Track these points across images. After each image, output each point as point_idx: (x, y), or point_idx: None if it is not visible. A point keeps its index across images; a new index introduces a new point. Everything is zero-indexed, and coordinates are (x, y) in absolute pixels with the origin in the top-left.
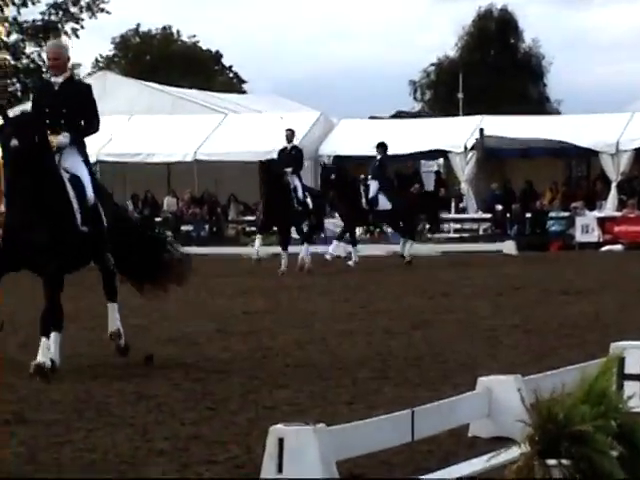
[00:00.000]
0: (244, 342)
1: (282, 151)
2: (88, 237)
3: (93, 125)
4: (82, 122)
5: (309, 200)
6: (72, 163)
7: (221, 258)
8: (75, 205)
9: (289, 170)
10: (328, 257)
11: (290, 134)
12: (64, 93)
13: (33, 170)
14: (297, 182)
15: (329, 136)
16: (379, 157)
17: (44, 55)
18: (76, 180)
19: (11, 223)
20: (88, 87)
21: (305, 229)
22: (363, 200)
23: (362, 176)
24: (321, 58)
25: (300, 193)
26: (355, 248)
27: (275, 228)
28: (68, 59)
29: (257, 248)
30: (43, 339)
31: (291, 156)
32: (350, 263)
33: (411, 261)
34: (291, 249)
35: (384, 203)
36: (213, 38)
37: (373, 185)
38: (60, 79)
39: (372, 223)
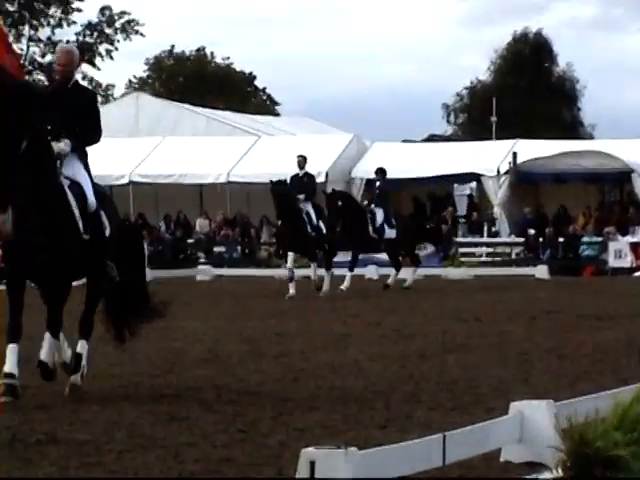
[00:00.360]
0: (276, 364)
1: (294, 177)
2: (89, 245)
3: (95, 134)
4: (84, 130)
5: (322, 225)
6: (73, 170)
7: (253, 280)
8: (76, 213)
9: (302, 197)
10: (343, 288)
11: (302, 160)
12: (70, 100)
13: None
14: (310, 208)
15: (362, 159)
16: (378, 184)
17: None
18: (77, 187)
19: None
20: (93, 95)
21: (320, 255)
22: (370, 228)
23: (365, 202)
24: (354, 80)
25: (314, 219)
26: (351, 274)
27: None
28: (77, 66)
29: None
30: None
31: (303, 182)
32: (342, 288)
33: (408, 286)
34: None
35: (389, 232)
36: (247, 60)
37: (379, 213)
38: (67, 86)
39: (382, 251)
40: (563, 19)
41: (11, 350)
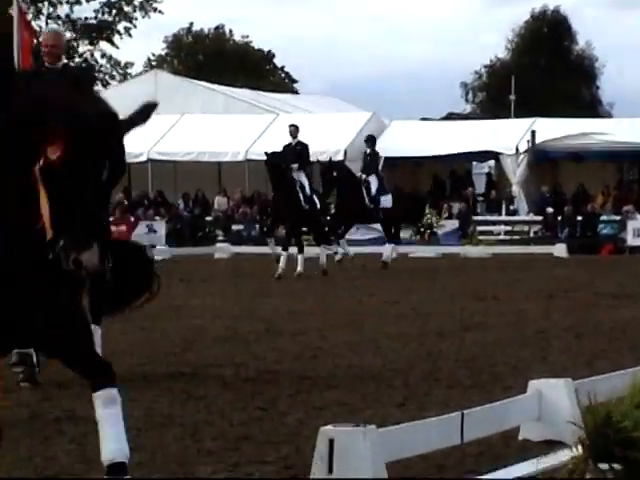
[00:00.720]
0: (294, 342)
1: (287, 147)
2: None
3: None
4: None
5: (316, 198)
6: None
7: (271, 258)
8: None
9: (295, 166)
10: (339, 257)
11: (294, 129)
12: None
13: None
14: (304, 179)
15: (381, 137)
16: (369, 151)
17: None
18: None
19: None
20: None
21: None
22: (366, 198)
23: (359, 174)
24: (372, 59)
25: (308, 190)
26: (343, 241)
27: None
28: (64, 48)
29: (272, 250)
30: None
31: (296, 151)
32: (338, 257)
33: (387, 264)
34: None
35: (384, 200)
36: (265, 38)
37: (373, 182)
38: (58, 67)
39: (379, 220)
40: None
41: None
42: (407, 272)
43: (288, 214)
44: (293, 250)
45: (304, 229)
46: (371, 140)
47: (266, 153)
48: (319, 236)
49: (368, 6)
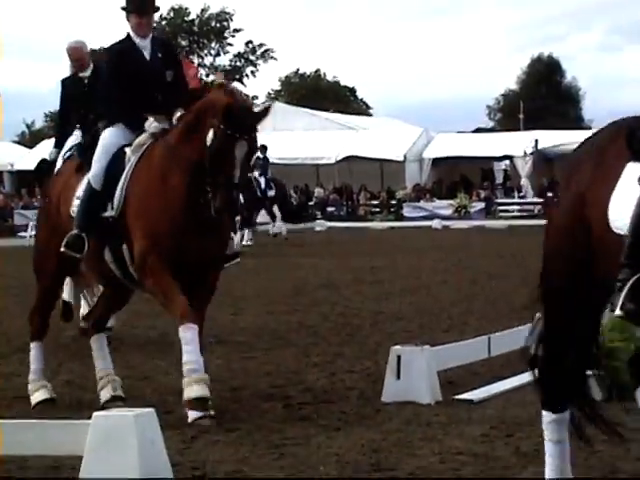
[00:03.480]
0: (372, 288)
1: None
2: None
3: None
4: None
5: (268, 189)
6: None
7: (354, 230)
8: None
9: (257, 173)
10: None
11: (262, 148)
12: (93, 87)
13: None
14: (262, 179)
15: (429, 145)
16: (262, 156)
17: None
18: None
19: None
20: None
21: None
22: (257, 191)
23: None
24: (424, 90)
25: (262, 183)
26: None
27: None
28: (88, 54)
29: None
30: None
31: (260, 164)
32: (249, 243)
33: (277, 235)
34: None
35: (270, 192)
36: (350, 76)
37: (262, 180)
38: (87, 73)
39: (267, 208)
40: (576, 44)
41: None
42: (449, 239)
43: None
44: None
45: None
46: (263, 148)
47: (264, 148)
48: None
49: (421, 54)
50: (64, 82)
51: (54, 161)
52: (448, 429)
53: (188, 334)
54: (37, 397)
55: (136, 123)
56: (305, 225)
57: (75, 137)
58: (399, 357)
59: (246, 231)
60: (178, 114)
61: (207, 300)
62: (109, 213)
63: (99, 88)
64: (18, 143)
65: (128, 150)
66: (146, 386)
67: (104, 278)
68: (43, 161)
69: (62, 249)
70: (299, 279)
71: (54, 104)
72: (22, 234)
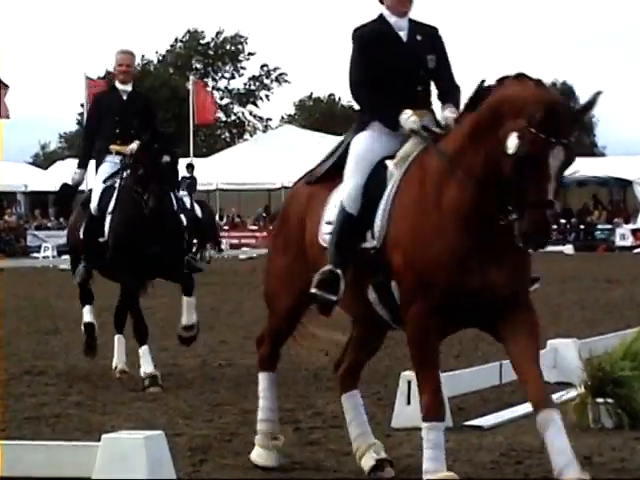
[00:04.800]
0: None
1: (182, 179)
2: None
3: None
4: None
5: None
6: None
7: None
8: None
9: (184, 192)
10: None
11: (189, 168)
12: (133, 103)
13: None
14: (187, 199)
15: None
16: (189, 175)
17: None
18: None
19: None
20: (149, 98)
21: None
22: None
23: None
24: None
25: (189, 204)
26: None
27: None
28: (135, 66)
29: None
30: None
31: (187, 183)
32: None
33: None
34: None
35: (197, 211)
36: None
37: (187, 199)
38: (128, 88)
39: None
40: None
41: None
42: None
43: None
44: None
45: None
46: (191, 167)
47: (191, 168)
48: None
49: None
50: (99, 97)
51: (78, 184)
52: (458, 455)
53: (431, 435)
54: (260, 458)
55: (394, 123)
56: None
57: (110, 164)
58: (409, 382)
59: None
60: (450, 114)
61: (529, 336)
62: (369, 244)
63: (350, 76)
64: (32, 164)
65: (390, 163)
66: (155, 409)
67: (365, 322)
68: (65, 185)
69: (312, 290)
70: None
71: (69, 126)
72: (35, 255)
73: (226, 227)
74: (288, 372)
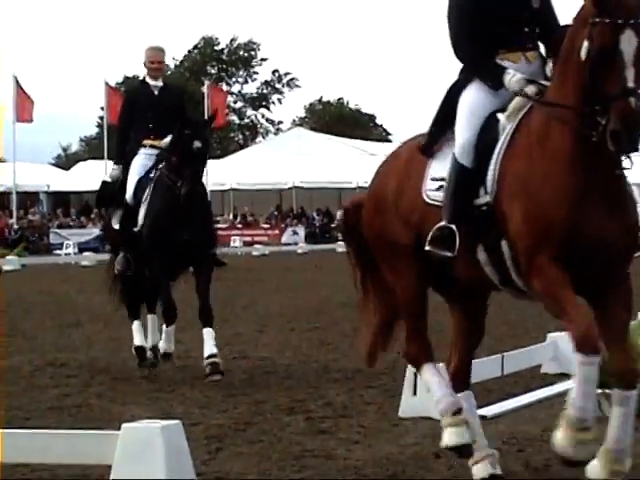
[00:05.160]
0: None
1: None
2: None
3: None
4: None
5: None
6: None
7: None
8: None
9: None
10: None
11: None
12: (164, 98)
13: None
14: None
15: None
16: None
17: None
18: None
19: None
20: (182, 92)
21: None
22: None
23: None
24: None
25: None
26: None
27: None
28: (164, 62)
29: None
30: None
31: None
32: None
33: None
34: None
35: None
36: (370, 103)
37: None
38: (160, 83)
39: None
40: None
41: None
42: None
43: None
44: None
45: None
46: None
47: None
48: None
49: (440, 85)
50: (131, 94)
51: (117, 179)
52: None
53: (584, 370)
54: (454, 436)
55: (498, 84)
56: (327, 246)
57: (145, 156)
58: (416, 374)
59: None
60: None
61: (624, 304)
62: (482, 199)
63: (450, 28)
64: (55, 165)
65: (502, 117)
66: (173, 399)
67: (471, 289)
68: (105, 183)
69: (427, 247)
70: (320, 298)
71: (89, 129)
72: (57, 252)
73: (239, 225)
74: (299, 364)
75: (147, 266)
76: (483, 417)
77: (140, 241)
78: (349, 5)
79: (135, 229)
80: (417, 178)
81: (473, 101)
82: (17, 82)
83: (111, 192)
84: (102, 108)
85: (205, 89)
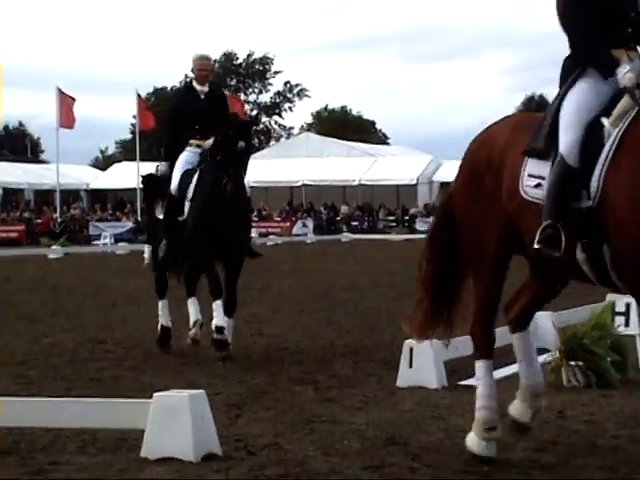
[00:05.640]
0: (388, 290)
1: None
2: None
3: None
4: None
5: None
6: None
7: (375, 241)
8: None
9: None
10: None
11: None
12: (210, 102)
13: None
14: None
15: (438, 170)
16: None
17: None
18: None
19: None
20: (224, 95)
21: None
22: None
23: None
24: (435, 122)
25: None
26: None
27: None
28: (213, 69)
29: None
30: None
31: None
32: None
33: None
34: None
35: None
36: (370, 111)
37: None
38: (205, 88)
39: None
40: None
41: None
42: None
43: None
44: None
45: None
46: None
47: (142, 176)
48: None
49: (433, 93)
50: (178, 92)
51: (164, 175)
52: (452, 410)
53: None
54: (475, 446)
55: (610, 72)
56: (332, 237)
57: (190, 153)
58: (411, 349)
59: None
60: None
61: None
62: (585, 204)
63: (565, 18)
64: (93, 166)
65: (606, 122)
66: (198, 371)
67: (565, 275)
68: (151, 175)
69: (536, 246)
70: (327, 282)
71: (124, 134)
72: (95, 242)
73: (255, 218)
74: (309, 341)
75: (189, 253)
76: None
77: (184, 229)
78: (354, 27)
79: (180, 218)
80: (516, 169)
81: (580, 100)
82: (60, 92)
83: (158, 185)
84: (134, 116)
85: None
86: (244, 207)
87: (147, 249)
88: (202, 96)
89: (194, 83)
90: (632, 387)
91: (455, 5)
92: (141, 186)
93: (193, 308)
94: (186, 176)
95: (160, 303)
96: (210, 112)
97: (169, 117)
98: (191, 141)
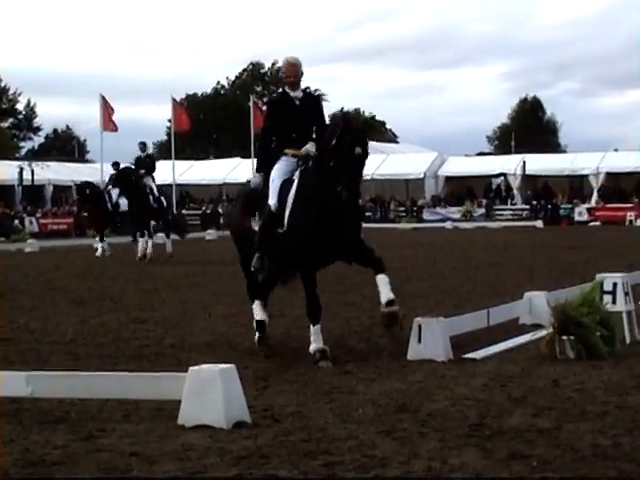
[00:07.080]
0: (398, 273)
1: (138, 158)
2: None
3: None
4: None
5: (163, 199)
6: None
7: (385, 229)
8: None
9: (142, 171)
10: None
11: (142, 146)
12: (305, 107)
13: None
14: (152, 184)
15: (443, 165)
16: (144, 154)
17: None
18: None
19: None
20: (319, 99)
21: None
22: (108, 205)
23: (109, 187)
24: (440, 122)
25: (156, 192)
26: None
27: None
28: (302, 74)
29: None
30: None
31: (145, 162)
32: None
33: (145, 257)
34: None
35: (123, 205)
36: (382, 112)
37: (114, 192)
38: (299, 94)
39: (118, 222)
40: (559, 89)
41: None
42: (458, 236)
43: (140, 211)
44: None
45: (153, 222)
46: (116, 164)
47: (120, 170)
48: (166, 227)
49: (439, 96)
50: (272, 100)
51: (258, 187)
52: (457, 380)
53: None
54: None
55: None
56: None
57: (286, 163)
58: (420, 326)
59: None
60: None
61: None
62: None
63: None
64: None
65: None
66: (229, 348)
67: None
68: (87, 183)
69: None
70: (342, 267)
71: (160, 135)
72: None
73: None
74: (327, 320)
75: (287, 265)
76: (473, 359)
77: (283, 241)
78: (365, 40)
79: (280, 230)
80: None
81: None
82: (104, 99)
83: (255, 198)
84: (169, 120)
85: (251, 103)
86: (359, 216)
87: (141, 242)
88: (297, 102)
89: (287, 88)
90: (619, 359)
91: (458, 15)
92: (86, 193)
93: (260, 310)
94: (284, 187)
95: (256, 303)
96: (306, 117)
97: (265, 125)
98: (286, 150)
